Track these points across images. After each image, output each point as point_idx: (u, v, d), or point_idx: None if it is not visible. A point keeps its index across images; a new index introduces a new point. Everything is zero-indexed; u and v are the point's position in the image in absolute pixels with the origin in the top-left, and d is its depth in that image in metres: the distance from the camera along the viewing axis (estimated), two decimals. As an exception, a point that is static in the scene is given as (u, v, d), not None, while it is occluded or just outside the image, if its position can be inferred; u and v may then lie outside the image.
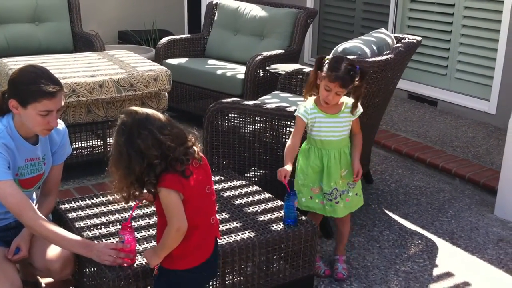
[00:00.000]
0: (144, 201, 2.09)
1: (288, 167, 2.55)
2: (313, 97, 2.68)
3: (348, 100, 2.69)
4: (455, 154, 4.30)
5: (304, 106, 2.68)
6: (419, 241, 3.22)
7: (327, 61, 2.60)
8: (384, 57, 2.99)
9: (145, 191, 1.97)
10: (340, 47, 3.06)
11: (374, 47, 3.19)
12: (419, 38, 3.54)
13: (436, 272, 2.94)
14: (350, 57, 2.92)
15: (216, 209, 2.15)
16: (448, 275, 2.92)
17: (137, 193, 1.96)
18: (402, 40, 3.50)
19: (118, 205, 2.56)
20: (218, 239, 2.14)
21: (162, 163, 1.88)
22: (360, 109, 2.71)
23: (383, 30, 3.59)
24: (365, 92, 2.82)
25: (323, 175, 2.68)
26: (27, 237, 2.29)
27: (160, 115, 1.96)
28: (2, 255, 2.25)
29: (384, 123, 4.84)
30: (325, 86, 2.57)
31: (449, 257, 3.08)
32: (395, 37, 3.59)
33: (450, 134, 4.75)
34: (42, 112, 2.16)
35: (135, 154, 1.87)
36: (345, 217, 2.81)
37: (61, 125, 2.45)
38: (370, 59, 2.95)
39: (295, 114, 2.71)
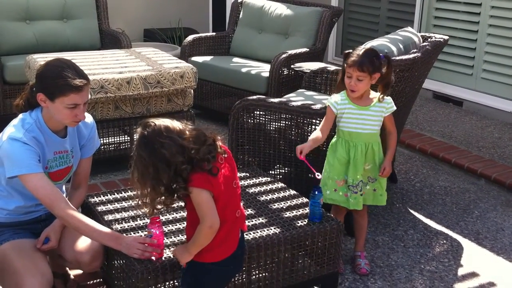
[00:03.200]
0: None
1: (306, 144, 2.63)
2: (345, 91, 2.71)
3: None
4: (480, 154, 4.26)
5: (335, 96, 2.71)
6: (444, 241, 3.20)
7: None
8: (411, 56, 2.99)
9: (176, 200, 1.99)
10: (367, 46, 3.05)
11: (401, 46, 3.19)
12: (446, 37, 3.52)
13: (461, 272, 2.92)
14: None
15: (241, 202, 2.17)
16: (473, 275, 2.91)
17: (168, 202, 1.98)
18: (429, 39, 3.48)
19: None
20: (244, 232, 2.16)
21: (188, 167, 1.90)
22: (392, 106, 2.71)
23: (409, 28, 3.58)
24: (392, 86, 2.82)
25: (349, 167, 2.70)
26: (58, 228, 2.33)
27: (176, 121, 1.97)
28: (33, 247, 2.29)
29: (409, 122, 4.82)
30: (347, 74, 2.63)
31: (474, 257, 3.06)
32: (421, 36, 3.58)
33: (476, 134, 4.70)
34: (69, 105, 2.19)
35: (161, 164, 1.88)
36: (362, 210, 2.82)
37: (89, 118, 2.49)
38: (397, 58, 2.94)
39: (326, 103, 2.73)
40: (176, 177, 1.90)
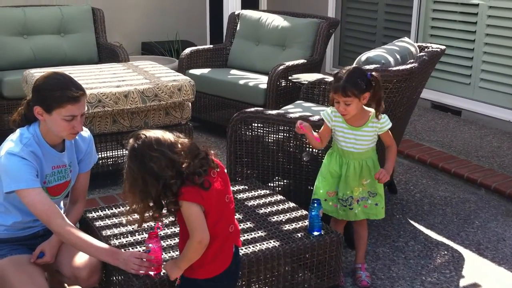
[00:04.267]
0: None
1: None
2: None
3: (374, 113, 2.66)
4: (480, 164, 4.25)
5: (331, 110, 2.69)
6: (445, 252, 3.18)
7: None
8: (408, 66, 2.98)
9: (164, 211, 1.98)
10: (363, 56, 3.06)
11: (398, 56, 3.19)
12: (443, 47, 3.53)
13: (462, 283, 2.90)
14: (372, 66, 2.92)
15: (236, 217, 2.15)
16: (474, 286, 2.89)
17: (156, 215, 1.97)
18: (426, 49, 3.48)
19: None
20: (238, 247, 2.13)
21: (177, 181, 1.89)
22: (387, 123, 2.65)
23: (406, 39, 3.58)
24: (386, 100, 2.81)
25: (340, 182, 2.68)
26: (54, 243, 2.31)
27: (169, 134, 1.96)
28: (31, 263, 2.27)
29: (407, 132, 4.81)
30: (335, 99, 2.59)
31: (476, 268, 3.04)
32: (418, 46, 3.58)
33: (475, 144, 4.70)
34: (66, 117, 2.19)
35: (149, 177, 1.87)
36: (362, 220, 2.81)
37: (86, 133, 2.48)
38: (394, 68, 2.94)
39: (321, 115, 2.72)
40: (166, 191, 1.89)
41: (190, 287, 2.03)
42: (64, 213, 2.43)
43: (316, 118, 3.09)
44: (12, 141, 2.22)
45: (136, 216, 1.97)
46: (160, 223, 2.17)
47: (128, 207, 1.97)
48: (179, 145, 1.92)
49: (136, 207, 1.93)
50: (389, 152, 2.71)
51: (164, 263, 2.15)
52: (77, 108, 2.21)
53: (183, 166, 1.88)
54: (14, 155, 2.16)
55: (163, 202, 1.94)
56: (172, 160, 1.88)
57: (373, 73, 2.58)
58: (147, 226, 2.49)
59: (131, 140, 1.94)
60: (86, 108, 2.28)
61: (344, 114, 2.60)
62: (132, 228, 2.47)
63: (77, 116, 2.22)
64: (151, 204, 1.93)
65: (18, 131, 2.29)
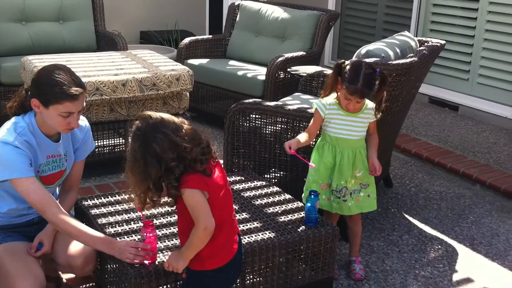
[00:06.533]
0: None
1: (293, 140, 2.61)
2: (336, 94, 2.67)
3: (368, 102, 2.69)
4: (476, 159, 4.26)
5: (324, 99, 2.68)
6: (439, 246, 3.20)
7: (347, 68, 2.58)
8: (408, 60, 2.98)
9: (164, 197, 1.98)
10: (363, 49, 3.05)
11: (398, 50, 3.18)
12: (442, 42, 3.52)
13: (455, 277, 2.92)
14: (372, 59, 2.92)
15: (234, 206, 2.16)
16: (468, 281, 2.90)
17: (155, 198, 1.97)
18: (426, 44, 3.48)
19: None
20: (240, 235, 2.14)
21: (180, 166, 1.88)
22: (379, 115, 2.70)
23: (406, 33, 3.57)
24: (388, 95, 2.81)
25: (334, 172, 2.69)
26: (51, 233, 2.31)
27: (174, 118, 1.96)
28: (26, 250, 2.28)
29: (404, 127, 4.81)
30: (345, 96, 2.58)
31: (469, 263, 3.06)
32: (418, 40, 3.58)
33: (471, 139, 4.71)
34: (63, 113, 2.18)
35: (151, 158, 1.87)
36: (356, 216, 2.82)
37: (83, 122, 2.47)
38: (394, 62, 2.93)
39: (313, 105, 2.71)
40: (168, 175, 1.88)
41: (197, 281, 2.02)
42: (57, 200, 2.43)
43: (313, 110, 3.08)
44: (6, 130, 2.21)
45: (134, 196, 1.96)
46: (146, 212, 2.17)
47: (129, 189, 1.96)
48: (183, 130, 1.92)
49: (136, 188, 1.92)
50: (372, 141, 2.75)
51: (166, 252, 2.16)
52: (75, 106, 2.19)
53: (185, 150, 1.88)
54: (7, 144, 2.15)
55: (164, 185, 1.94)
56: (175, 143, 1.88)
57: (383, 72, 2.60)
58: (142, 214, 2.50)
59: (136, 121, 1.94)
60: (84, 105, 2.26)
61: (349, 110, 2.63)
62: (128, 217, 2.48)
63: (74, 113, 2.21)
64: (150, 185, 1.92)
65: (12, 119, 2.27)
